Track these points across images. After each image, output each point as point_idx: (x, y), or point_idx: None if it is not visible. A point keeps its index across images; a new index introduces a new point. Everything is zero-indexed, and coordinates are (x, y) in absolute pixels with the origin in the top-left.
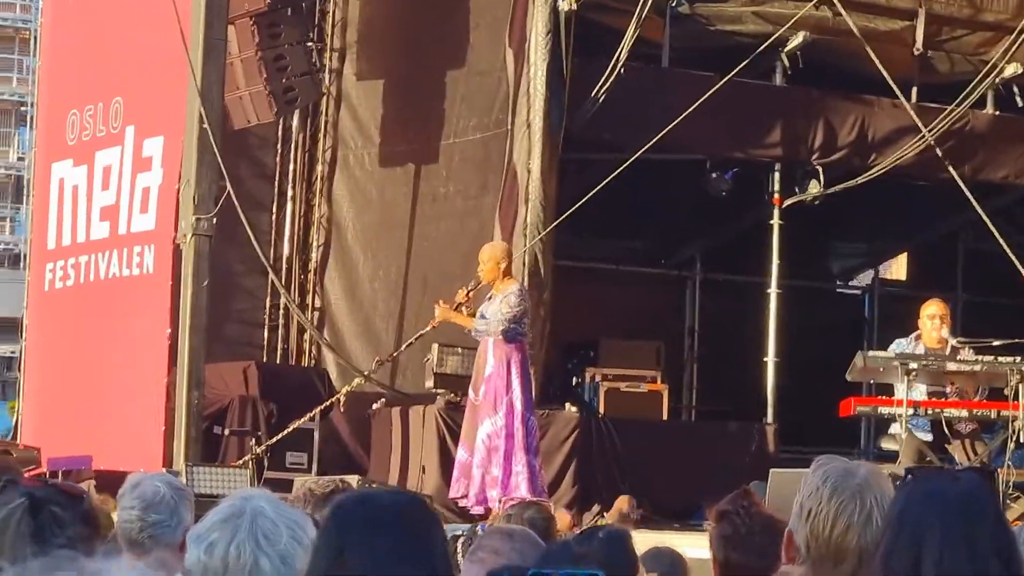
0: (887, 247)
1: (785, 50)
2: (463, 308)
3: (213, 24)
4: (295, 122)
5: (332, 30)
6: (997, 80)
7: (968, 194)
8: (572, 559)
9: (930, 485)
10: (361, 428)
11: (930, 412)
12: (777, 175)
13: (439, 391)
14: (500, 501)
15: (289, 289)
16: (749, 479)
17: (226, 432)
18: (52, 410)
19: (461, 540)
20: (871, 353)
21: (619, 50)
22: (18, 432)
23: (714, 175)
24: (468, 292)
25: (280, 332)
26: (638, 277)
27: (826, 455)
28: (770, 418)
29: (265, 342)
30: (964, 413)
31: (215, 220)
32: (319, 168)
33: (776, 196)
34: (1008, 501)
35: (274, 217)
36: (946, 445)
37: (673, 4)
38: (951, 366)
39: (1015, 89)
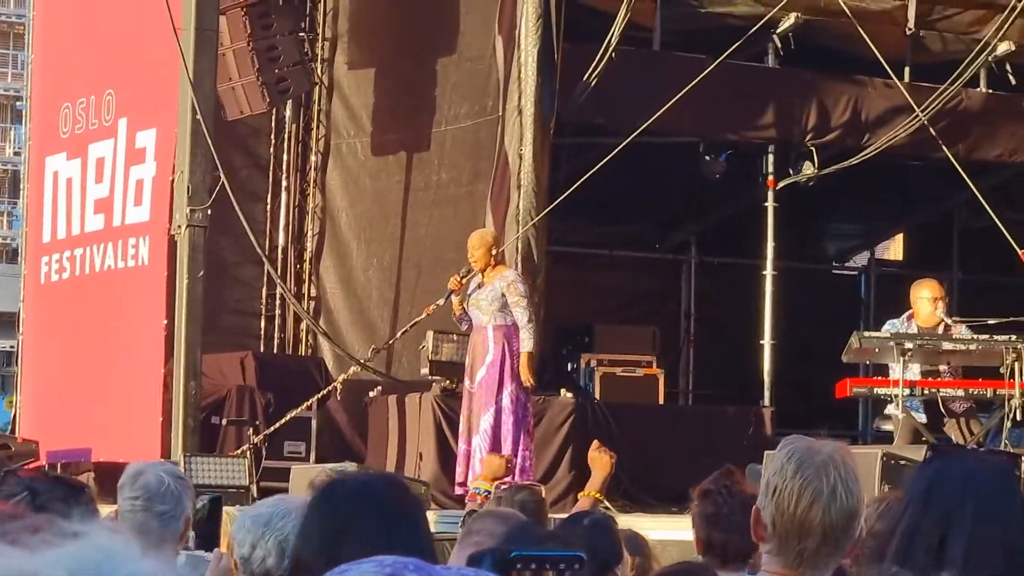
0: (882, 227)
1: (777, 31)
2: (454, 296)
3: (204, 15)
4: (288, 112)
5: (323, 19)
6: (990, 58)
7: (962, 173)
8: (538, 541)
9: (961, 464)
10: (358, 416)
11: (926, 392)
12: (771, 157)
13: (434, 378)
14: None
15: (285, 279)
16: (746, 462)
17: (224, 422)
18: (50, 403)
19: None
20: (866, 334)
21: (610, 34)
22: (16, 426)
23: (707, 158)
24: (461, 279)
25: (276, 322)
26: (632, 261)
27: (794, 435)
28: (767, 401)
29: (262, 332)
30: (960, 392)
31: (209, 211)
32: (312, 158)
33: (770, 178)
34: None
35: (269, 207)
36: (942, 425)
37: None
38: (946, 345)
39: (1007, 67)
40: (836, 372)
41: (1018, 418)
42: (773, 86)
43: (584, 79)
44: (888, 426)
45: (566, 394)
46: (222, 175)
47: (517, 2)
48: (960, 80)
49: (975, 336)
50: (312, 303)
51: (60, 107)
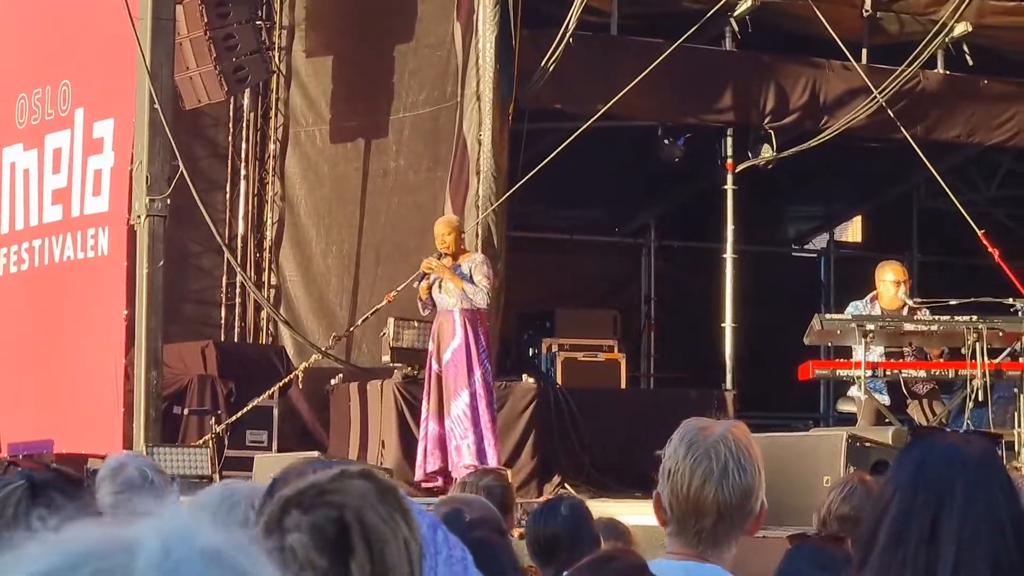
0: (841, 209)
1: (733, 15)
2: (425, 280)
3: (161, 4)
4: (246, 101)
5: (280, 7)
6: (947, 39)
7: (920, 154)
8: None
9: (947, 444)
10: (320, 404)
11: (888, 373)
12: (729, 140)
13: (396, 365)
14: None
15: (245, 267)
16: None
17: (185, 412)
18: (10, 395)
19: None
20: (828, 316)
21: (567, 19)
22: None
23: (666, 141)
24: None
25: (237, 311)
26: (592, 246)
27: (692, 418)
28: (729, 384)
29: (222, 321)
30: (922, 373)
31: (169, 200)
32: (271, 146)
33: (729, 161)
34: None
35: (228, 196)
36: (905, 406)
37: None
38: (908, 327)
39: (965, 48)
40: (798, 354)
41: (980, 398)
42: (731, 69)
43: (542, 64)
44: (850, 408)
45: (528, 380)
46: (181, 164)
47: None
48: (918, 62)
49: (937, 317)
50: (272, 291)
51: (16, 98)
